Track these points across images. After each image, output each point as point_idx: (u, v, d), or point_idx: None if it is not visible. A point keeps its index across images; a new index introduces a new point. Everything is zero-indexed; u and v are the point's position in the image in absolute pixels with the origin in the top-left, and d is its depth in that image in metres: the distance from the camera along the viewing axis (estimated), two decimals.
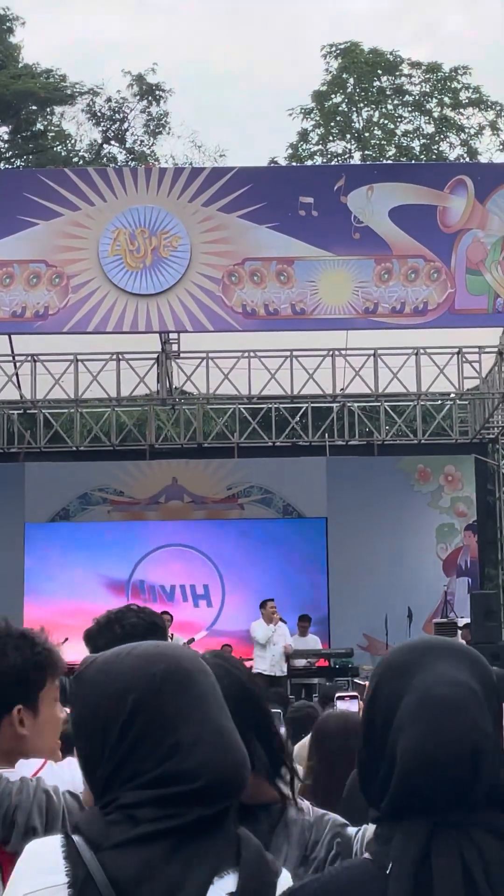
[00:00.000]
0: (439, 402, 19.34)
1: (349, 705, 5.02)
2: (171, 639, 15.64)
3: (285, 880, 1.82)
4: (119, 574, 18.23)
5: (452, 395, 18.13)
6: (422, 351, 16.64)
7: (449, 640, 1.93)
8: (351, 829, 2.67)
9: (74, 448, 18.76)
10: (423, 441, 18.60)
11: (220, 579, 18.20)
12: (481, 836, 1.73)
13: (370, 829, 2.12)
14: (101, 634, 3.12)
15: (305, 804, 2.72)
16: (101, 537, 18.38)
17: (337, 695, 5.63)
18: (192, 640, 14.60)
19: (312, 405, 18.61)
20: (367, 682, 2.44)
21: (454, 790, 1.74)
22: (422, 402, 18.40)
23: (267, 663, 14.60)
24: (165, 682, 1.81)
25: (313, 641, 16.27)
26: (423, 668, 1.81)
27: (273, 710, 2.86)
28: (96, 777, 1.82)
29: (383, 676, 1.85)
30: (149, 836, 1.73)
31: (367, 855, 1.79)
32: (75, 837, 1.77)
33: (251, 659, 14.40)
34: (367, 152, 32.34)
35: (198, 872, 1.73)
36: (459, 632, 16.42)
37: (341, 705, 5.10)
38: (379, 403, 18.48)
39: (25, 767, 2.82)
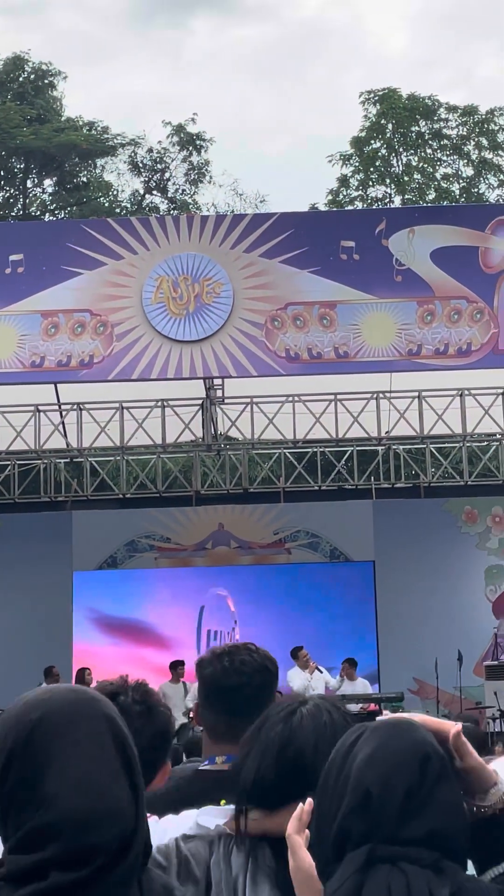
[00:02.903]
0: (485, 442, 19.24)
1: None
2: (185, 687, 15.36)
3: None
4: (165, 620, 18.20)
5: (498, 436, 18.04)
6: (466, 392, 16.59)
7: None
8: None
9: (121, 496, 18.81)
10: (469, 482, 18.50)
11: (269, 625, 18.13)
12: (411, 868, 1.77)
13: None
14: (209, 664, 3.01)
15: None
16: (149, 584, 18.39)
17: None
18: None
19: (358, 448, 18.57)
20: None
21: (402, 800, 1.80)
22: (467, 444, 18.32)
23: None
24: (36, 730, 1.68)
25: (362, 686, 16.03)
26: None
27: None
28: None
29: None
30: None
31: None
32: None
33: None
34: (406, 196, 32.46)
35: None
36: None
37: None
38: (424, 445, 18.42)
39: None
